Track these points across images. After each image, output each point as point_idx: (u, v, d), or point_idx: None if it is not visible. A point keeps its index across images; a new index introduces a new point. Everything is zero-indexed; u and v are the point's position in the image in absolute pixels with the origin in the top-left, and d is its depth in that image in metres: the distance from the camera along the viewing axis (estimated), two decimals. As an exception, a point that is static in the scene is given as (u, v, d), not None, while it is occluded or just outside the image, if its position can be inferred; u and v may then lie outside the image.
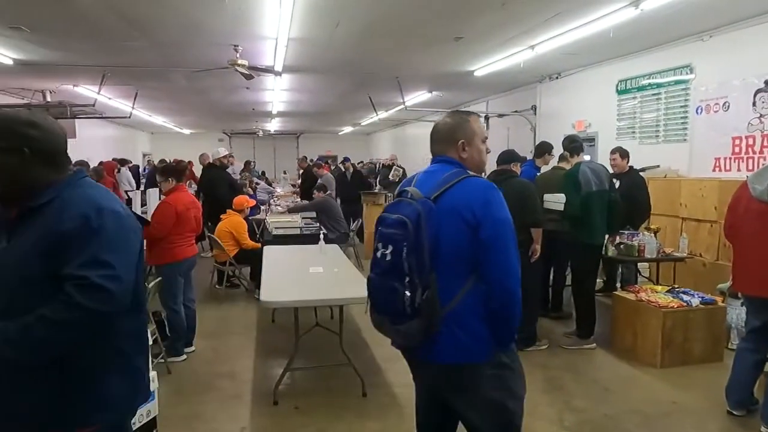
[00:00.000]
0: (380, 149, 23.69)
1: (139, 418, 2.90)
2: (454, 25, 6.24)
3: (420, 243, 1.82)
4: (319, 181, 9.29)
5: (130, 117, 11.83)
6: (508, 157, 4.76)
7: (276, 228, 7.24)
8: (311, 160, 14.15)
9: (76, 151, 12.23)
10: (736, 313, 4.67)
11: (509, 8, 5.53)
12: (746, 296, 3.62)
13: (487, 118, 11.75)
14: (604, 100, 8.34)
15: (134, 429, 2.84)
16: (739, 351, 3.64)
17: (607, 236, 5.03)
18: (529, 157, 6.35)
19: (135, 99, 10.74)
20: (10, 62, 7.65)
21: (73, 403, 1.59)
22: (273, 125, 20.40)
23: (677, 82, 7.01)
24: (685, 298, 4.54)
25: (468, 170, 2.01)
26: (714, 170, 6.35)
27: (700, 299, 4.53)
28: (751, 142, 5.92)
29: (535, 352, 4.71)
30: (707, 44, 6.49)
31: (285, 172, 20.96)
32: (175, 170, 4.80)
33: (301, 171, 13.89)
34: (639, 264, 5.95)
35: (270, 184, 14.52)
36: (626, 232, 5.28)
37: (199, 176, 9.41)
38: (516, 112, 10.81)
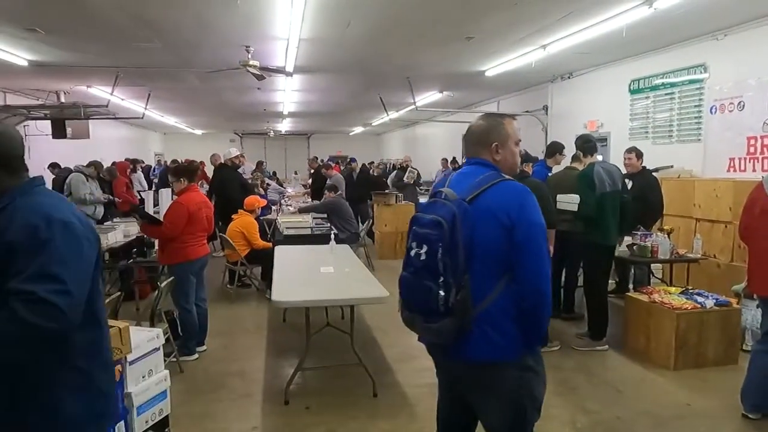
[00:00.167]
0: (391, 149, 23.71)
1: (152, 416, 2.92)
2: (465, 25, 6.22)
3: (455, 244, 1.85)
4: (329, 181, 9.30)
5: (142, 117, 11.97)
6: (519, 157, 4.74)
7: (287, 228, 7.27)
8: (322, 161, 14.18)
9: (89, 151, 12.36)
10: (752, 315, 4.62)
11: (521, 7, 5.50)
12: (762, 298, 3.57)
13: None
14: (616, 99, 8.28)
15: (147, 427, 2.87)
16: (754, 353, 3.60)
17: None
18: (541, 157, 6.31)
19: (148, 100, 10.85)
20: (25, 63, 7.75)
21: (25, 422, 1.52)
22: (284, 126, 20.49)
23: (691, 82, 6.94)
24: (699, 299, 4.48)
25: (502, 173, 2.03)
26: (728, 170, 6.28)
27: (714, 301, 4.47)
28: (766, 142, 5.85)
29: (547, 353, 4.67)
30: (721, 43, 6.42)
31: (296, 173, 21.06)
32: (187, 170, 4.82)
33: (312, 171, 13.93)
34: (652, 265, 5.90)
35: (281, 185, 14.58)
36: (639, 233, 5.24)
37: (210, 176, 9.48)
38: (527, 112, 10.75)
